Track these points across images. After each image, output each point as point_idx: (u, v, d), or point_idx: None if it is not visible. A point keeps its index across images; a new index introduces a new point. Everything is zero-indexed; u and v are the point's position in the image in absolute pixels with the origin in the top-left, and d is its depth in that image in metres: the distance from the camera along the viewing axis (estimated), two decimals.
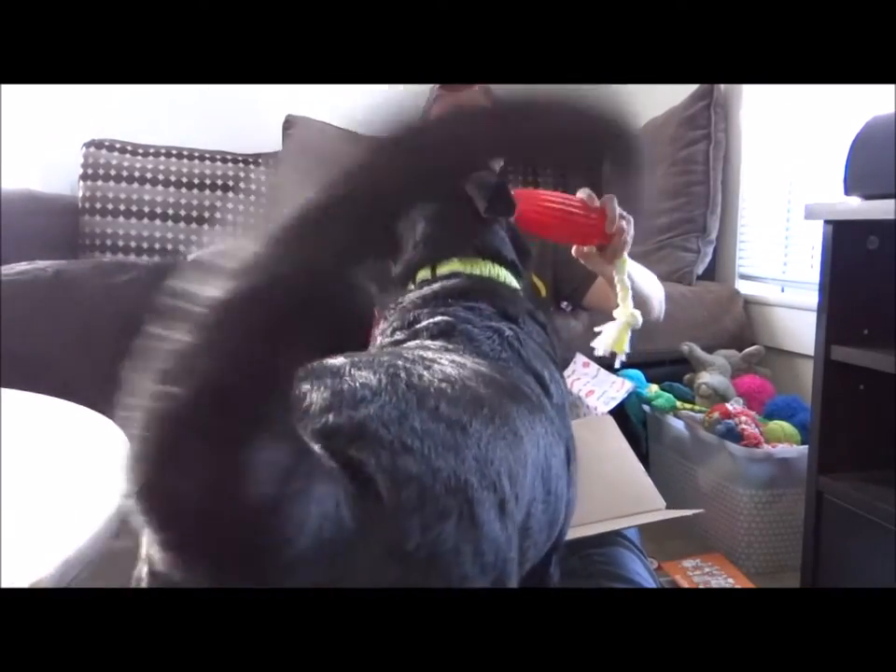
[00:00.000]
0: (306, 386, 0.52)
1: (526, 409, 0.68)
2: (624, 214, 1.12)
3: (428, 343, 0.79)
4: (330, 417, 0.49)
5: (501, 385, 0.68)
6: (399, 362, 0.58)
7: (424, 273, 0.94)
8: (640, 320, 1.14)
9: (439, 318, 0.82)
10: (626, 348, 1.14)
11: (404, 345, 0.78)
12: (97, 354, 1.17)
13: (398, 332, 0.84)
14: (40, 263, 1.24)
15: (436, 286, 0.90)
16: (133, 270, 1.23)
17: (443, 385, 0.57)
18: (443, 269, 0.93)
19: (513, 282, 0.96)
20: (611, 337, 1.13)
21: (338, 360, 0.58)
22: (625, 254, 1.17)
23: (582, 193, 1.12)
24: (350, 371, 0.55)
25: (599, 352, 1.16)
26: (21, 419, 0.86)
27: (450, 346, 0.76)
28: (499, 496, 0.54)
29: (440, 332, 0.80)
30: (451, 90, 1.49)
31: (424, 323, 0.82)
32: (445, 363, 0.64)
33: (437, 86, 1.55)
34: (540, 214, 1.06)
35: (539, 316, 0.92)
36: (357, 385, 0.53)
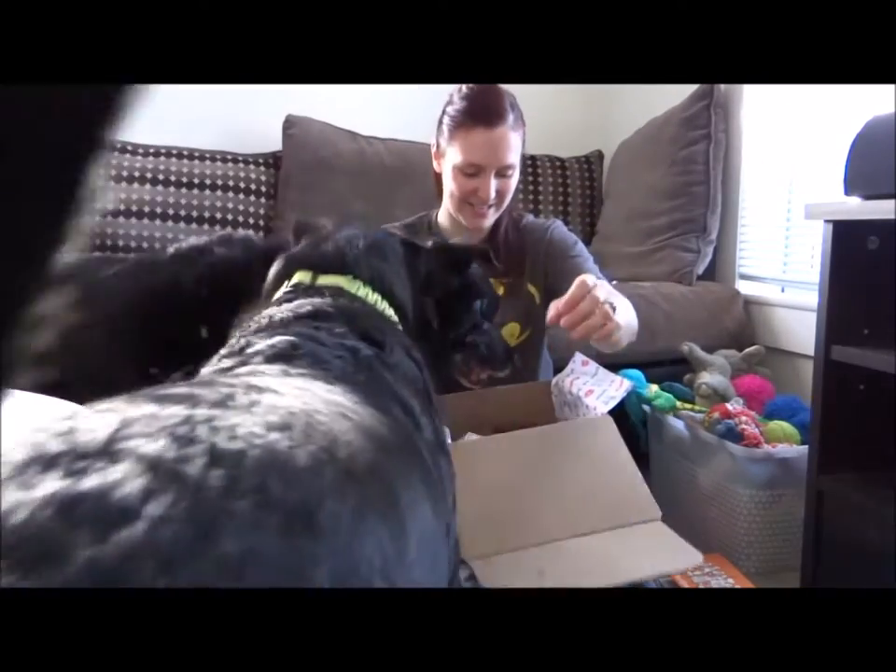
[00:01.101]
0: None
1: (397, 446, 0.56)
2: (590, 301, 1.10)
3: (263, 368, 0.63)
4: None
5: (363, 421, 0.53)
6: (199, 411, 0.40)
7: (301, 276, 0.85)
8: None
9: (277, 339, 0.68)
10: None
11: (230, 372, 0.63)
12: (80, 349, 1.17)
13: (224, 359, 0.69)
14: None
15: (287, 299, 0.80)
16: (117, 264, 1.23)
17: (275, 435, 0.40)
18: (305, 278, 0.84)
19: (389, 312, 0.86)
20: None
21: (101, 416, 0.39)
22: (617, 339, 1.21)
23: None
24: (113, 443, 0.36)
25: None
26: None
27: (292, 371, 0.61)
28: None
29: (277, 356, 0.65)
30: (482, 123, 1.46)
31: (258, 346, 0.68)
32: (284, 392, 0.49)
33: (461, 102, 1.52)
34: None
35: (415, 353, 0.82)
36: (115, 480, 0.33)
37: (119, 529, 0.31)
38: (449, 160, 1.53)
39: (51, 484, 0.33)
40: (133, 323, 1.17)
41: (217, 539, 0.33)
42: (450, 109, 1.54)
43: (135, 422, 0.38)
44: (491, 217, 1.56)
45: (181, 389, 0.44)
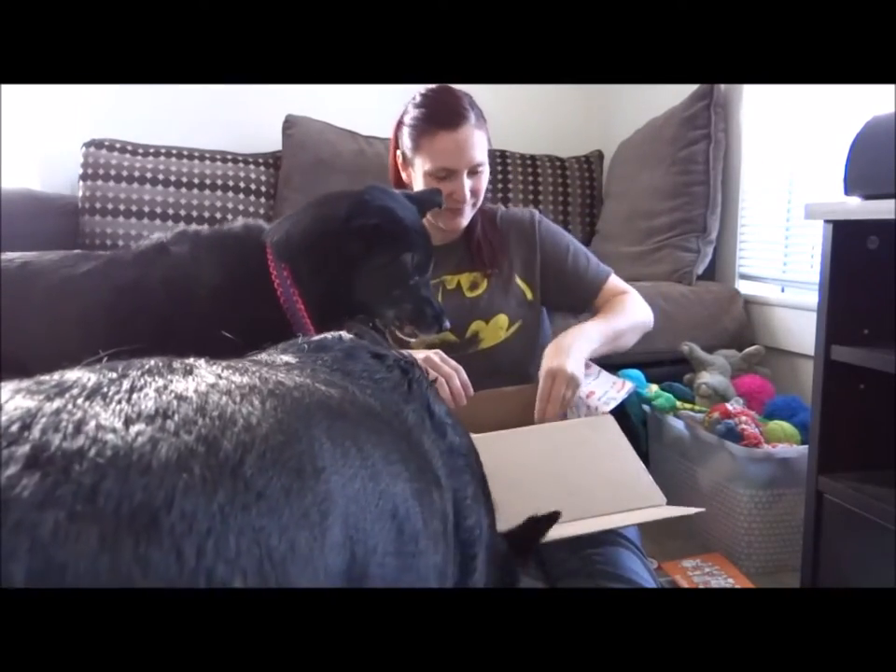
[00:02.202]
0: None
1: (363, 427, 0.54)
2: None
3: (277, 355, 0.65)
4: None
5: (330, 399, 0.53)
6: (53, 403, 0.37)
7: None
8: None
9: (327, 335, 0.72)
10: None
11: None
12: (56, 345, 1.18)
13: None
14: (8, 255, 1.25)
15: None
16: (93, 261, 1.24)
17: (137, 428, 0.37)
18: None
19: None
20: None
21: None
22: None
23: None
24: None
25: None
26: None
27: (292, 362, 0.63)
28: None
29: (312, 348, 0.69)
30: (444, 126, 1.47)
31: (312, 339, 0.72)
32: (207, 374, 0.46)
33: (417, 108, 1.53)
34: None
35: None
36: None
37: None
38: (419, 168, 1.53)
39: None
40: (101, 321, 1.19)
41: (4, 560, 0.30)
42: (407, 119, 1.54)
43: None
44: (468, 216, 1.57)
45: (67, 375, 0.42)
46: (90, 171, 2.52)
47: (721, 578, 1.69)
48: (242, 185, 2.65)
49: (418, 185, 1.54)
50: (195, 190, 2.59)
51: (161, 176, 2.57)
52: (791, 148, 2.32)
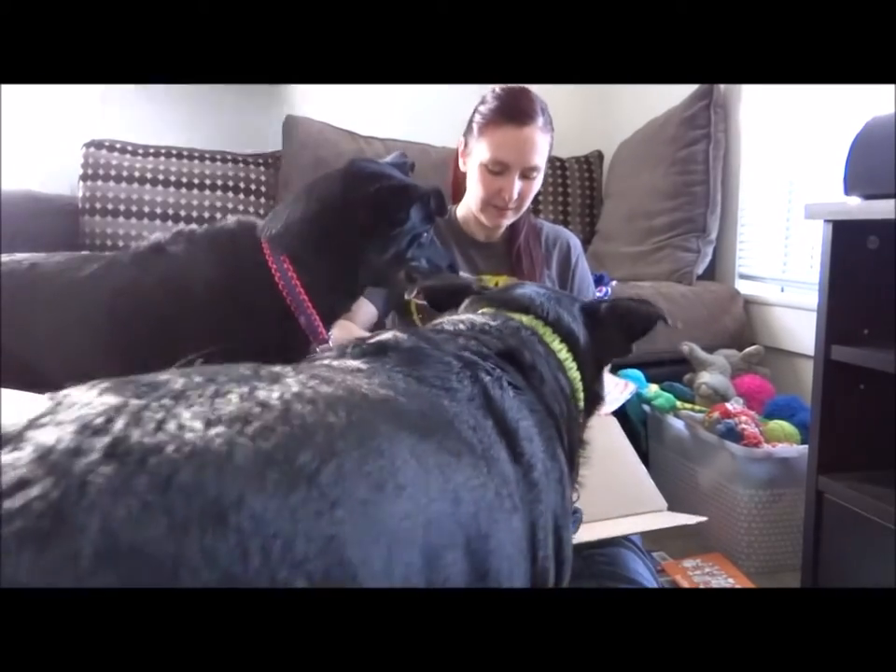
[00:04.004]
0: None
1: (445, 449, 0.53)
2: None
3: (338, 363, 0.63)
4: None
5: (393, 410, 0.52)
6: (137, 401, 0.39)
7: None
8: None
9: (389, 336, 0.69)
10: None
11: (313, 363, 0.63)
12: (61, 347, 1.20)
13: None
14: (17, 256, 1.25)
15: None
16: (95, 263, 1.25)
17: (216, 430, 0.39)
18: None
19: (565, 355, 0.84)
20: None
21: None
22: None
23: None
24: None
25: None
26: None
27: (363, 368, 0.61)
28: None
29: (375, 350, 0.66)
30: (512, 121, 1.50)
31: (370, 340, 0.69)
32: (292, 382, 0.46)
33: (494, 101, 1.54)
34: None
35: (570, 404, 0.80)
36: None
37: None
38: (476, 157, 1.55)
39: None
40: (102, 323, 1.20)
41: (74, 537, 0.32)
42: (482, 108, 1.56)
43: (61, 409, 0.38)
44: (510, 218, 1.59)
45: (160, 377, 0.44)
46: (90, 171, 2.52)
47: (721, 578, 1.69)
48: (242, 185, 2.65)
49: (472, 174, 1.57)
50: (195, 191, 2.59)
51: (161, 177, 2.57)
52: (791, 148, 2.32)
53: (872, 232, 1.42)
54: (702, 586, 1.65)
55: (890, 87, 1.81)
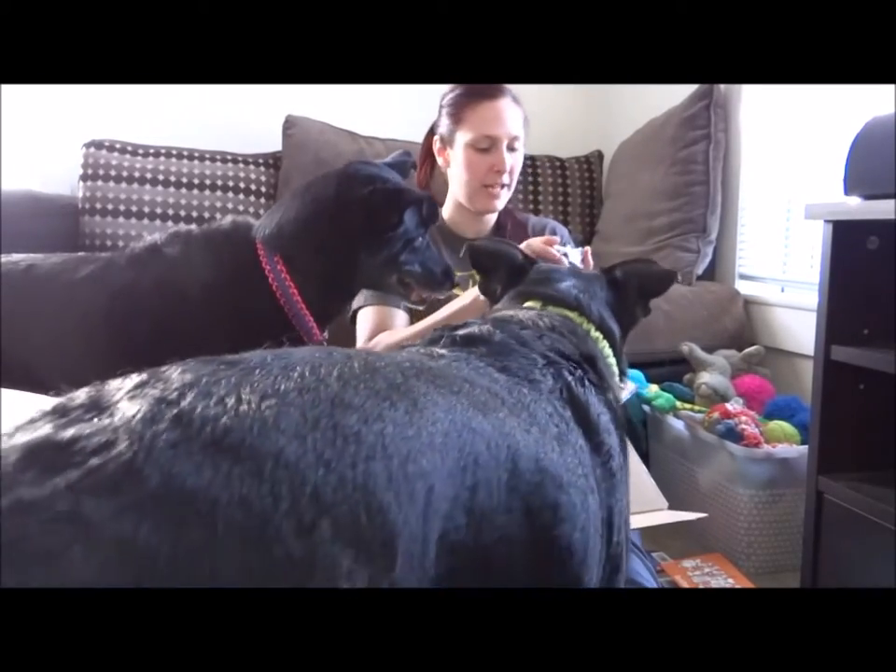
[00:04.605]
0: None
1: (506, 423, 0.59)
2: None
3: (433, 350, 0.69)
4: None
5: (470, 388, 0.59)
6: (207, 378, 0.47)
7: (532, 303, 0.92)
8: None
9: (478, 328, 0.75)
10: None
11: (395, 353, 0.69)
12: (59, 348, 1.20)
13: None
14: (15, 257, 1.25)
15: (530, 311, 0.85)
16: (91, 264, 1.25)
17: (268, 402, 0.45)
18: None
19: (604, 346, 0.90)
20: None
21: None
22: None
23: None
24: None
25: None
26: None
27: (446, 354, 0.67)
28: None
29: (465, 341, 0.72)
30: (486, 96, 1.53)
31: (460, 332, 0.74)
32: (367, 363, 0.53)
33: (457, 89, 1.56)
34: None
35: (621, 410, 0.85)
36: (87, 432, 0.41)
37: (56, 476, 0.37)
38: (459, 142, 1.56)
39: (38, 432, 0.40)
40: (99, 325, 1.20)
41: (138, 485, 0.38)
42: (449, 99, 1.59)
43: (149, 385, 0.45)
44: (503, 198, 1.60)
45: (238, 357, 0.50)
46: (90, 171, 2.52)
47: (721, 578, 1.69)
48: (242, 185, 2.64)
49: (457, 162, 1.58)
50: (195, 191, 2.59)
51: (161, 177, 2.57)
52: (791, 148, 2.32)
53: (872, 233, 1.42)
54: (702, 586, 1.65)
55: (890, 87, 1.81)
